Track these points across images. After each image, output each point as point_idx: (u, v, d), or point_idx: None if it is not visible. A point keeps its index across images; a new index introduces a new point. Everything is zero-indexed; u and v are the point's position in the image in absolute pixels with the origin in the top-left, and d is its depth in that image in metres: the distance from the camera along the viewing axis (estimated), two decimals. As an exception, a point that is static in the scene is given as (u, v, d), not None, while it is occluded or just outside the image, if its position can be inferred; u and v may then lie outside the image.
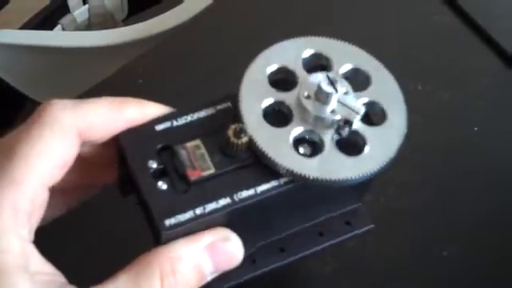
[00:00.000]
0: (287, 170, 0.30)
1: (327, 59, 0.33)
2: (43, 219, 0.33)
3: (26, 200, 0.28)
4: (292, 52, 0.33)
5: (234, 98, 0.32)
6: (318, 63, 0.34)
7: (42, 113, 0.29)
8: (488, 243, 0.48)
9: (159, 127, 0.32)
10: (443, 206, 0.49)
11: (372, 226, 0.34)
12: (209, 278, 0.30)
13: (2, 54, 0.67)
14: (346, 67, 0.33)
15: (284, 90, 0.32)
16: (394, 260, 0.47)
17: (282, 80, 0.33)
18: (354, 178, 0.30)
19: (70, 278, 0.29)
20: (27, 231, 0.28)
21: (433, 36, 0.57)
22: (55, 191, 0.32)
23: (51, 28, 0.72)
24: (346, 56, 0.33)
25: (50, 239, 0.32)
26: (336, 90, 0.31)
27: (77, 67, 0.68)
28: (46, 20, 0.70)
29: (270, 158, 0.30)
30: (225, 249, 0.30)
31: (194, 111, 0.32)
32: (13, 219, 0.27)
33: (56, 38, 0.68)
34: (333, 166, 0.31)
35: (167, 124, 0.32)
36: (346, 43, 0.34)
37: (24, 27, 0.68)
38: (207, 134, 0.31)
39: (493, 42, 0.56)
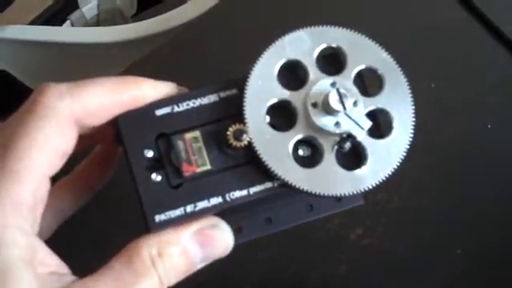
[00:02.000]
0: (282, 179, 0.30)
1: (344, 55, 0.32)
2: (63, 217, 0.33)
3: (27, 193, 0.28)
4: (307, 44, 0.32)
5: (241, 83, 0.31)
6: (334, 57, 0.33)
7: (38, 102, 0.29)
8: (502, 241, 0.48)
9: (159, 112, 0.31)
10: (457, 204, 0.49)
11: (362, 202, 0.34)
12: (199, 266, 0.30)
13: (11, 49, 0.67)
14: (362, 67, 0.32)
15: (293, 85, 0.32)
16: (408, 258, 0.46)
17: (292, 72, 0.32)
18: (346, 194, 0.30)
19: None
20: (31, 224, 0.28)
21: (445, 33, 0.57)
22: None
23: (60, 24, 0.71)
24: (364, 54, 0.32)
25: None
26: (345, 108, 0.30)
27: (85, 63, 0.68)
28: (55, 16, 0.70)
29: (267, 166, 0.30)
30: (213, 236, 0.30)
31: (196, 97, 0.31)
32: (15, 213, 0.27)
33: (64, 33, 0.68)
34: (327, 181, 0.30)
35: (168, 109, 0.31)
36: (366, 38, 0.33)
37: (33, 23, 0.68)
38: (208, 124, 0.31)
39: (505, 38, 0.56)
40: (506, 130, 0.53)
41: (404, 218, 0.48)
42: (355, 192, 0.30)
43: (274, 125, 0.31)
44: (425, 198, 0.49)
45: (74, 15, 0.72)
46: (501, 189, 0.50)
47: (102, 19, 0.75)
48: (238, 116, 0.30)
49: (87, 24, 0.74)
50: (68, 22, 0.72)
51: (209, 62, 0.55)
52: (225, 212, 0.31)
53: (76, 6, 0.73)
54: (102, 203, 0.36)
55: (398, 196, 0.48)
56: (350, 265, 0.45)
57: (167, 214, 0.29)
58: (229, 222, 0.31)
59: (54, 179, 0.30)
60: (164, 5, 0.73)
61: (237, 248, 0.31)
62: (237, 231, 0.32)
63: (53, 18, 0.70)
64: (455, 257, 0.47)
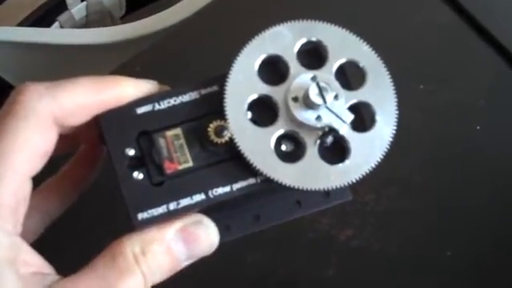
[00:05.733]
0: (264, 175, 0.30)
1: (325, 49, 0.32)
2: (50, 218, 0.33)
3: (8, 194, 0.28)
4: (287, 39, 0.32)
5: (222, 80, 0.31)
6: (315, 51, 0.32)
7: (17, 103, 0.29)
8: (491, 243, 0.48)
9: (140, 110, 0.31)
10: (446, 205, 0.49)
11: (350, 198, 0.33)
12: (184, 264, 0.30)
13: (-1, 51, 0.67)
14: (343, 60, 0.32)
15: (274, 80, 0.31)
16: (398, 260, 0.46)
17: (273, 67, 0.32)
18: (329, 188, 0.30)
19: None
20: (13, 224, 0.28)
21: (434, 35, 0.57)
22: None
23: (49, 25, 0.71)
24: (346, 47, 0.32)
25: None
26: (325, 101, 0.30)
27: (74, 65, 0.67)
28: (44, 17, 0.70)
29: (249, 161, 0.30)
30: (197, 233, 0.30)
31: (177, 94, 0.31)
32: None
33: (53, 35, 0.68)
34: (310, 175, 0.30)
35: (149, 107, 0.31)
36: (347, 31, 0.32)
37: (21, 24, 0.68)
38: (189, 121, 0.31)
39: (494, 40, 0.56)
40: (495, 132, 0.53)
41: (393, 219, 0.48)
42: (338, 186, 0.30)
43: (255, 120, 0.31)
44: (414, 200, 0.49)
45: (63, 16, 0.72)
46: (490, 190, 0.50)
47: (90, 20, 0.74)
48: (220, 112, 0.30)
49: (76, 25, 0.74)
50: (57, 23, 0.72)
51: (198, 63, 0.55)
52: (210, 209, 0.30)
53: (65, 8, 0.72)
54: (87, 202, 0.35)
55: (387, 197, 0.48)
56: (339, 266, 0.45)
57: (150, 211, 0.29)
58: (216, 220, 0.31)
59: (40, 181, 0.29)
60: (152, 6, 0.73)
61: (225, 250, 0.31)
62: (225, 229, 0.32)
63: (41, 19, 0.70)
64: (445, 258, 0.47)
